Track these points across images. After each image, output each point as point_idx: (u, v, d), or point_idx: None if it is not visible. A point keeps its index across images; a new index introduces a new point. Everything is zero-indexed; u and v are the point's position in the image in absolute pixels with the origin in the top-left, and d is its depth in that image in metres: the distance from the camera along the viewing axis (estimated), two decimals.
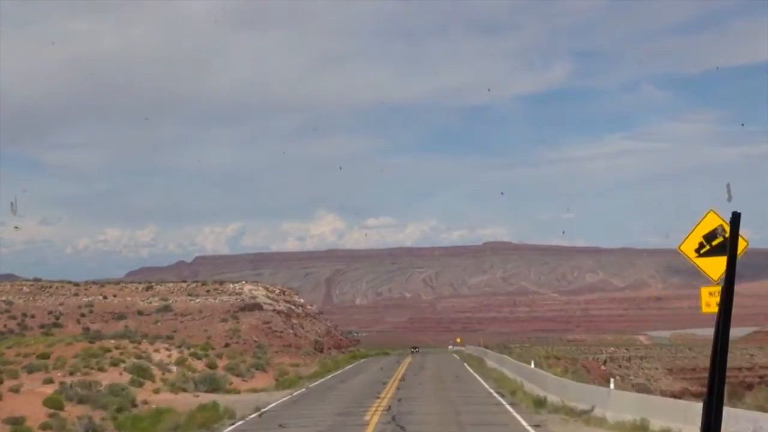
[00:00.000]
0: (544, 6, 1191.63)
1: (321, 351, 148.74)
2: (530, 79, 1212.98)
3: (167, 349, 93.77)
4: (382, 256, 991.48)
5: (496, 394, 61.79)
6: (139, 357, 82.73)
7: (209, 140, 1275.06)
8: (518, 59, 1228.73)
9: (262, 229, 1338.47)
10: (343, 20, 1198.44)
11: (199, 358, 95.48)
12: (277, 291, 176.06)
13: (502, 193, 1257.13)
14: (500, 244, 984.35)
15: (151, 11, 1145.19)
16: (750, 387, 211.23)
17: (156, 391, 67.43)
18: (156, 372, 77.79)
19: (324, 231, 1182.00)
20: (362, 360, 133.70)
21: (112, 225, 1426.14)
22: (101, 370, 72.89)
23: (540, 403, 50.65)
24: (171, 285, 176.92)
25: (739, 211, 2.93)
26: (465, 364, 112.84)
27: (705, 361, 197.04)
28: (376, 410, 50.73)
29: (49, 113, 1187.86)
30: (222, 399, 62.00)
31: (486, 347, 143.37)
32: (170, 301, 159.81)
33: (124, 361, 77.47)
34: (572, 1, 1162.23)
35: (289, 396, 66.58)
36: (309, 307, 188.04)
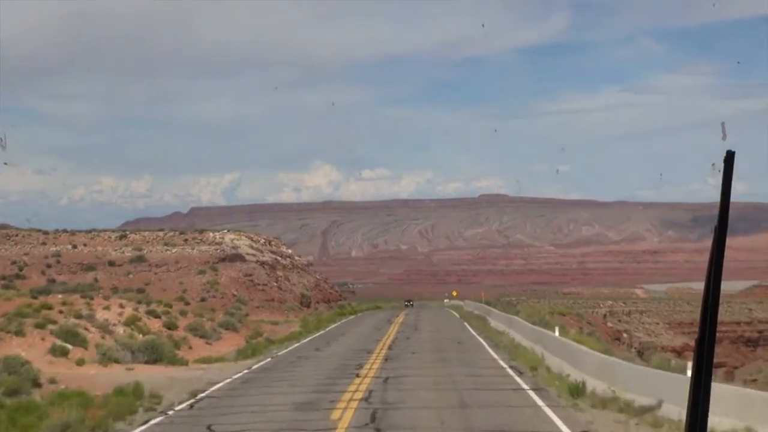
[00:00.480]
0: None
1: (308, 306, 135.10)
2: (528, 30, 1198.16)
3: (121, 306, 78.07)
4: (378, 207, 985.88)
5: (511, 372, 47.24)
6: (78, 316, 66.98)
7: (207, 92, 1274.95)
8: (517, 10, 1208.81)
9: (258, 180, 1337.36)
10: None
11: (157, 316, 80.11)
12: (262, 241, 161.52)
13: (495, 131, 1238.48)
14: (496, 197, 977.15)
15: None
16: (749, 342, 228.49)
17: (79, 363, 52.18)
18: (93, 336, 62.15)
19: (320, 182, 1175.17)
20: (350, 317, 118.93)
21: (108, 175, 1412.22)
22: (19, 334, 57.00)
23: (578, 391, 35.60)
24: (147, 234, 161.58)
25: (733, 150, 2.21)
26: (465, 323, 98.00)
27: (696, 314, 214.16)
28: (351, 399, 35.91)
29: (46, 65, 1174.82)
30: (159, 374, 47.49)
31: (488, 303, 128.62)
32: (145, 251, 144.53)
33: (55, 323, 61.52)
34: None
35: (246, 371, 51.31)
36: (297, 258, 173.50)
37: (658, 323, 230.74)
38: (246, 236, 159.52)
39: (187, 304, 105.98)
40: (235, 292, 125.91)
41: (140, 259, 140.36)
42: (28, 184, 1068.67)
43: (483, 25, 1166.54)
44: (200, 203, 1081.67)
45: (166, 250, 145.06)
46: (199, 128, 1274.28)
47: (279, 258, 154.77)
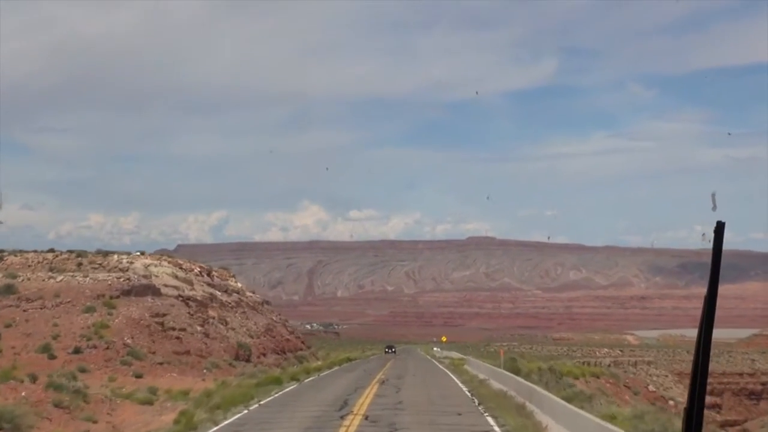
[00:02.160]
0: (533, 3, 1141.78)
1: (247, 359, 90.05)
2: (517, 75, 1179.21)
3: None
4: (365, 248, 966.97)
5: None
6: None
7: (196, 129, 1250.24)
8: (506, 54, 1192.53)
9: (246, 219, 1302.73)
10: (331, 12, 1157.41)
11: None
12: (197, 270, 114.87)
13: (487, 198, 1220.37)
14: (484, 239, 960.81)
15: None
16: (752, 394, 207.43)
17: None
18: None
19: (308, 222, 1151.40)
20: (291, 386, 71.29)
21: (96, 211, 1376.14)
22: None
23: None
24: (32, 255, 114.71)
25: (723, 221, 2.51)
26: (481, 407, 52.13)
27: (710, 365, 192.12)
28: None
29: (35, 98, 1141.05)
30: None
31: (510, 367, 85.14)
32: (20, 278, 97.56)
33: None
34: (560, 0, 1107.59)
35: None
36: (250, 294, 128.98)
37: (667, 375, 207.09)
38: (170, 262, 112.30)
39: (53, 358, 72.24)
40: (129, 341, 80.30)
41: (8, 290, 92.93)
42: (16, 219, 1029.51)
43: (477, 93, 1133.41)
44: (187, 240, 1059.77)
45: (50, 277, 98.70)
46: (188, 165, 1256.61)
47: (217, 293, 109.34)
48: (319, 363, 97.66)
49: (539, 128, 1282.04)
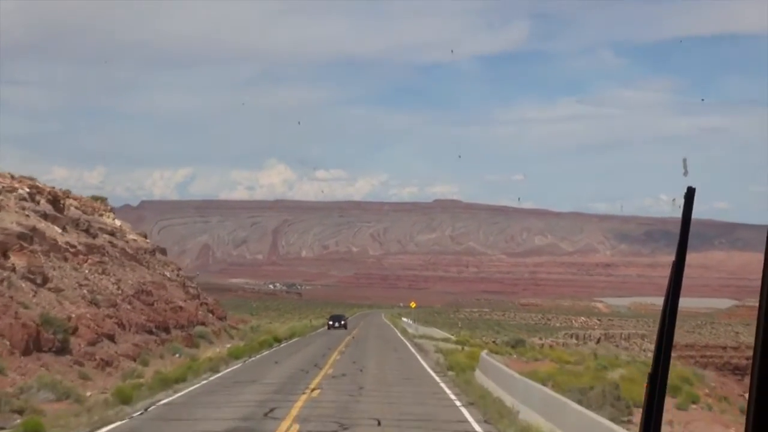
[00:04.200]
0: None
1: (60, 348, 55.93)
2: (488, 39, 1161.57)
3: None
4: (330, 208, 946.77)
5: None
6: None
7: (162, 85, 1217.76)
8: (478, 18, 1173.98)
9: (212, 177, 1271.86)
10: None
11: None
12: (25, 189, 67.53)
13: (459, 157, 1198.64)
14: (450, 203, 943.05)
15: None
16: (737, 369, 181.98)
17: None
18: None
19: (274, 181, 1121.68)
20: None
21: (60, 165, 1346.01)
22: None
23: None
24: None
25: (694, 186, 3.20)
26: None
27: (691, 336, 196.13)
28: None
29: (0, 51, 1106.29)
30: None
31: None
32: None
33: None
34: None
35: None
36: (133, 239, 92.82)
37: None
38: None
39: None
40: None
41: None
42: None
43: (452, 51, 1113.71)
44: (152, 196, 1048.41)
45: None
46: (156, 121, 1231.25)
47: (56, 230, 67.06)
48: (210, 354, 64.12)
49: (509, 93, 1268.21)
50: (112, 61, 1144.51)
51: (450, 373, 50.74)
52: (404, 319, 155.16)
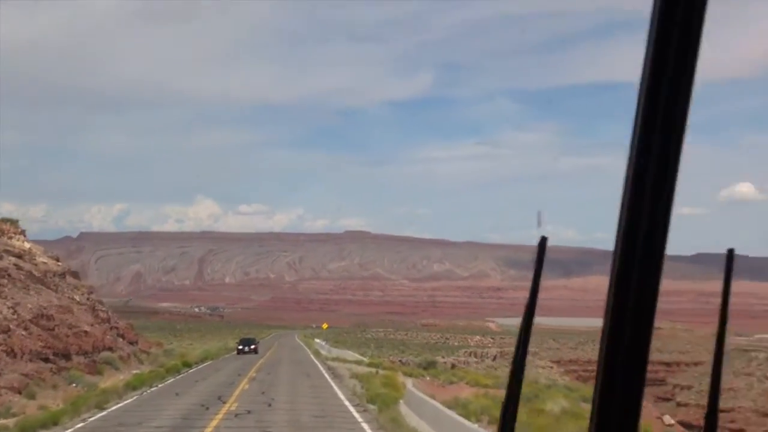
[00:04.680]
0: (414, 21, 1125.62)
1: None
2: (398, 86, 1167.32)
3: None
4: (251, 239, 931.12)
5: None
6: None
7: (102, 127, 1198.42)
8: (388, 66, 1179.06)
9: (145, 211, 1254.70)
10: (233, 23, 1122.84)
11: None
12: None
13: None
14: (359, 233, 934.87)
15: (56, 3, 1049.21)
16: (586, 380, 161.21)
17: None
18: None
19: (201, 215, 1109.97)
20: None
21: (7, 200, 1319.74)
22: None
23: None
24: None
25: (546, 236, 2.71)
26: None
27: (575, 353, 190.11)
28: None
29: None
30: None
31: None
32: None
33: None
34: (438, 19, 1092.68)
35: None
36: (43, 261, 78.08)
37: (552, 367, 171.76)
38: None
39: None
40: None
41: None
42: None
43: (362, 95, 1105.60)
44: (90, 228, 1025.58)
45: None
46: (95, 160, 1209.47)
47: None
48: (109, 384, 53.59)
49: (416, 135, 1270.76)
50: (58, 104, 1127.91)
51: (371, 407, 39.59)
52: (317, 341, 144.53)
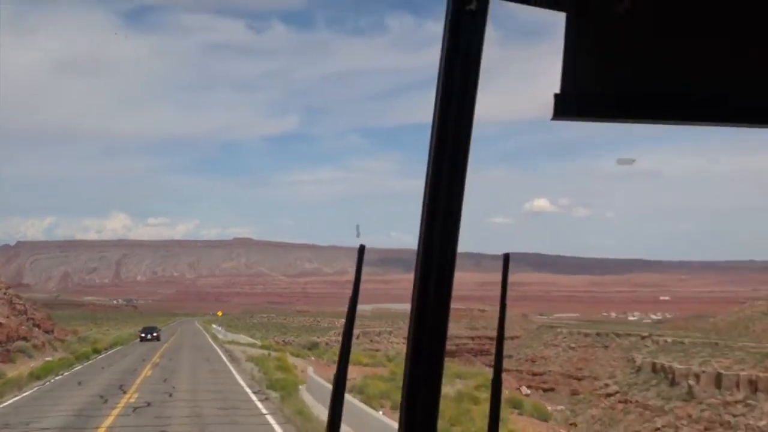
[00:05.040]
0: (284, 75, 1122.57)
1: None
2: (273, 124, 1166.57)
3: None
4: (158, 245, 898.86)
5: None
6: None
7: (33, 157, 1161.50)
8: (265, 110, 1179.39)
9: (71, 223, 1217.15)
10: (142, 74, 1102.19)
11: None
12: None
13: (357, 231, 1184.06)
14: (245, 240, 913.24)
15: None
16: (448, 353, 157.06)
17: None
18: None
19: (116, 226, 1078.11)
20: None
21: None
22: None
23: None
24: None
25: (364, 245, 2.50)
26: None
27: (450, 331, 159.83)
28: None
29: None
30: None
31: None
32: None
33: None
34: (303, 72, 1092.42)
35: None
36: None
37: (403, 343, 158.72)
38: None
39: None
40: None
41: None
42: None
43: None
44: (26, 238, 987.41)
45: None
46: (30, 182, 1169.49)
47: None
48: (16, 374, 43.57)
49: (286, 162, 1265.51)
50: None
51: (273, 394, 30.48)
52: (214, 326, 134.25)
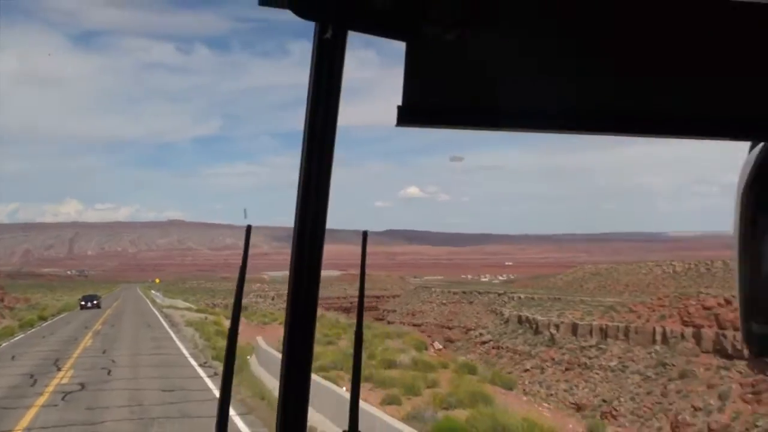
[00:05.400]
0: (208, 87, 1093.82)
1: None
2: (200, 128, 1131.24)
3: None
4: (104, 226, 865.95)
5: None
6: None
7: (5, 155, 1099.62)
8: (194, 117, 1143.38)
9: (31, 209, 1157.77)
10: (92, 86, 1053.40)
11: None
12: None
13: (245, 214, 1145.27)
14: (177, 221, 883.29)
15: None
16: (346, 309, 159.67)
17: None
18: None
19: (70, 210, 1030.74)
20: None
21: None
22: None
23: None
24: None
25: (251, 224, 1.89)
26: None
27: (328, 292, 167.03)
28: None
29: None
30: None
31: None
32: None
33: None
34: (224, 86, 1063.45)
35: None
36: None
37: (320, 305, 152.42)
38: None
39: None
40: None
41: None
42: None
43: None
44: None
45: None
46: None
47: None
48: None
49: (211, 159, 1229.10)
50: None
51: (222, 367, 20.32)
52: (153, 292, 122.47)
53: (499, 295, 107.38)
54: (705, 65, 1.18)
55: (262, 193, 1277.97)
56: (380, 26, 1.14)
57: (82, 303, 74.16)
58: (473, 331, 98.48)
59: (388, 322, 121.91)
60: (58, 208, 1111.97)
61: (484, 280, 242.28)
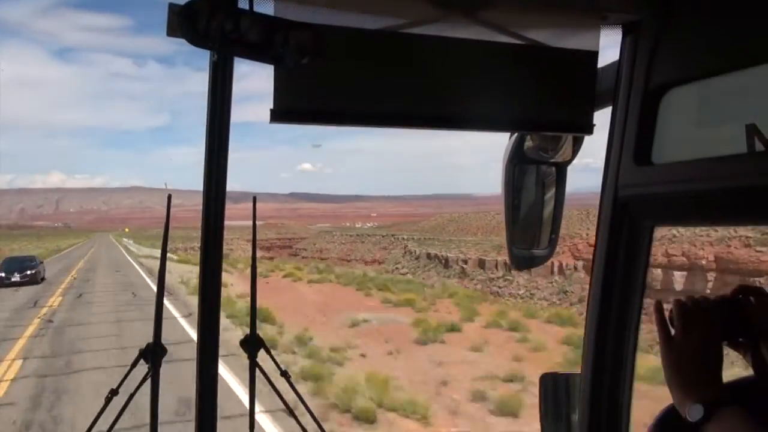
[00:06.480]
0: (159, 90, 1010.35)
1: None
2: (155, 118, 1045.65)
3: None
4: (83, 191, 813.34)
5: None
6: None
7: (8, 138, 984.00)
8: (151, 107, 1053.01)
9: (24, 178, 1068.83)
10: (67, 88, 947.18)
11: None
12: None
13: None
14: (139, 187, 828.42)
15: None
16: (266, 249, 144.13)
17: None
18: None
19: (55, 180, 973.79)
20: None
21: None
22: None
23: None
24: None
25: (170, 193, 1.59)
26: None
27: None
28: None
29: None
30: None
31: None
32: None
33: None
34: (170, 90, 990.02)
35: None
36: None
37: (246, 243, 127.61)
38: None
39: None
40: None
41: None
42: None
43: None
44: None
45: None
46: None
47: None
48: None
49: (162, 143, 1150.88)
50: None
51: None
52: (125, 240, 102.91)
53: (383, 237, 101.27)
54: (483, 81, 1.26)
55: (199, 167, 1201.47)
56: (253, 53, 1.10)
57: (2, 275, 28.98)
58: (394, 265, 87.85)
59: (302, 258, 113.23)
60: (46, 178, 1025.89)
61: (358, 225, 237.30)
